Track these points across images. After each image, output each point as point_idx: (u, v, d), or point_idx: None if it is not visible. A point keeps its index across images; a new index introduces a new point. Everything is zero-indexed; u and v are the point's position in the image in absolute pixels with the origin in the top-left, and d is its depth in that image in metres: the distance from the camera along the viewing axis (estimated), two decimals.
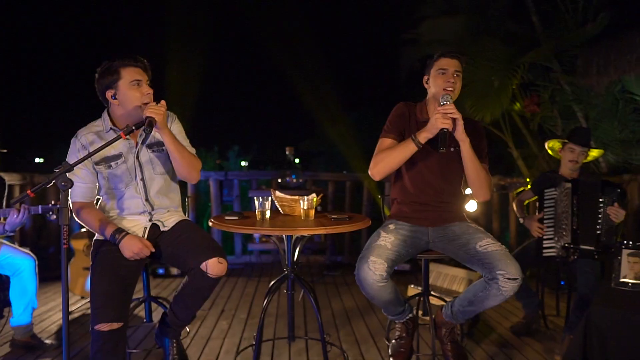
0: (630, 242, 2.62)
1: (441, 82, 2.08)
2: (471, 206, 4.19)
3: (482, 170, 2.08)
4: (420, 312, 2.95)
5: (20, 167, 6.53)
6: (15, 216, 2.50)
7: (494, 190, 4.60)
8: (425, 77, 2.19)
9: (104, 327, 1.73)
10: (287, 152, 4.84)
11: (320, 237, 4.84)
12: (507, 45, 5.06)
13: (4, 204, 2.84)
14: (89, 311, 3.31)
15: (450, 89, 2.05)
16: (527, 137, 5.56)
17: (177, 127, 2.07)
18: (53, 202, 2.65)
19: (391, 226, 2.14)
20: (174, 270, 4.51)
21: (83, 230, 3.72)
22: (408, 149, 2.02)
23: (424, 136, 1.99)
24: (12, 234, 3.01)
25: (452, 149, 2.08)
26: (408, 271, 4.60)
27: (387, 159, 2.07)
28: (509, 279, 1.85)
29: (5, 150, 3.56)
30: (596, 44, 4.30)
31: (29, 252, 2.84)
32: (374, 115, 13.60)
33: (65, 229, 1.67)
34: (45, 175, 4.47)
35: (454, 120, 1.99)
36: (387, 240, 2.04)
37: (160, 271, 4.52)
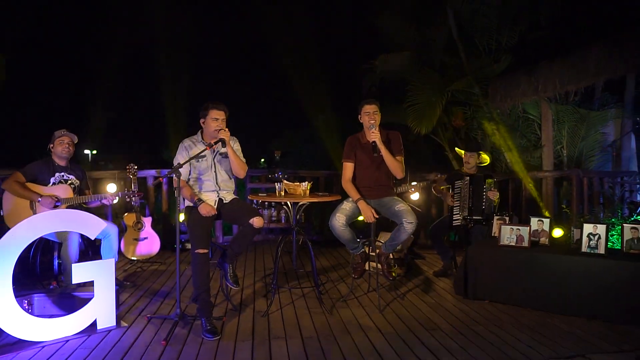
0: (498, 212, 4.27)
1: (367, 119, 3.61)
2: (415, 196, 5.75)
3: (396, 160, 3.58)
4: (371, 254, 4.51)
5: None
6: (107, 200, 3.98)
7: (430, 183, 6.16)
8: (359, 116, 3.70)
9: (200, 251, 3.16)
10: (275, 154, 6.31)
11: (301, 219, 6.34)
12: (441, 74, 6.70)
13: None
14: (139, 270, 4.71)
15: (372, 121, 3.57)
16: (458, 143, 7.25)
17: (237, 145, 3.50)
18: (128, 190, 4.13)
19: (350, 199, 3.68)
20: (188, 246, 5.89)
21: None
22: (352, 195, 3.63)
23: (360, 204, 3.56)
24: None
25: (378, 155, 3.59)
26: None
27: (347, 190, 3.69)
28: (408, 222, 3.42)
29: None
30: (500, 78, 5.96)
31: (113, 223, 4.22)
32: (338, 120, 15.07)
33: (179, 200, 3.13)
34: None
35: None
36: (347, 205, 3.62)
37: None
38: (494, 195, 4.42)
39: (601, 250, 3.47)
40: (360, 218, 3.71)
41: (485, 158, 4.77)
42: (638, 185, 6.62)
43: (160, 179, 3.26)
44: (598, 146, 6.22)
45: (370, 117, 3.60)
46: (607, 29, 4.75)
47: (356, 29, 8.85)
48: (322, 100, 12.20)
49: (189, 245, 5.92)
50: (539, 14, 6.25)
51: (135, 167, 4.67)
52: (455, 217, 4.61)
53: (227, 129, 3.33)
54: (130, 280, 4.43)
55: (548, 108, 5.83)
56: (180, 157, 3.41)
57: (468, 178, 4.57)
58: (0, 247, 2.76)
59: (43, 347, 2.82)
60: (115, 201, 4.13)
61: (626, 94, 6.86)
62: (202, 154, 3.38)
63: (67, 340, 2.92)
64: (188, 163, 3.40)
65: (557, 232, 4.41)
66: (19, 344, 2.82)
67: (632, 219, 4.45)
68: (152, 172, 6.07)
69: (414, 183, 5.40)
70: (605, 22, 5.12)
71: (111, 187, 5.17)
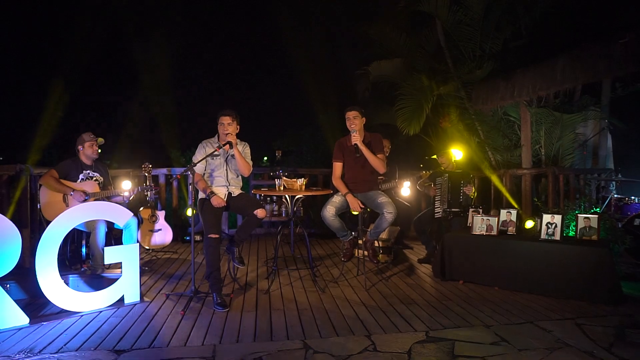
0: (474, 205, 4.82)
1: (349, 124, 4.15)
2: (405, 191, 6.29)
3: (377, 158, 4.12)
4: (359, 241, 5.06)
5: None
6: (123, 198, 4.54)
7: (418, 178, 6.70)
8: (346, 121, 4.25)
9: (212, 235, 3.71)
10: (276, 154, 6.86)
11: (300, 213, 6.89)
12: (430, 79, 7.22)
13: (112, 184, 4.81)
14: (154, 258, 5.26)
15: (353, 126, 4.10)
16: (447, 142, 7.77)
17: (247, 149, 4.04)
18: (145, 185, 4.67)
19: (340, 193, 4.23)
20: (197, 237, 6.45)
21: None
22: (341, 190, 4.18)
23: (347, 197, 4.10)
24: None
25: (361, 155, 4.13)
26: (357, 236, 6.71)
27: (337, 186, 4.23)
28: (388, 213, 3.98)
29: None
30: (482, 83, 6.49)
31: (133, 215, 4.77)
32: (338, 120, 15.59)
33: (192, 193, 3.68)
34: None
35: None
36: (337, 199, 4.18)
37: (187, 238, 6.46)
38: (469, 191, 4.97)
39: (557, 237, 4.01)
40: (355, 213, 4.27)
41: (450, 156, 5.29)
42: (613, 182, 7.16)
43: (178, 175, 3.81)
44: (574, 146, 6.76)
45: (351, 122, 4.13)
46: (574, 40, 5.27)
47: (355, 36, 9.33)
48: (323, 102, 12.76)
49: (197, 237, 6.49)
50: (520, 24, 6.77)
51: (150, 166, 5.23)
52: (436, 209, 5.16)
53: (233, 134, 3.88)
54: (148, 266, 4.99)
55: (527, 111, 6.35)
56: (198, 155, 3.97)
57: (447, 175, 5.12)
58: (48, 234, 3.32)
59: (81, 315, 3.38)
60: (132, 197, 4.69)
61: (602, 97, 7.40)
62: (216, 153, 3.94)
63: (101, 312, 3.48)
64: (204, 160, 3.95)
65: (530, 224, 4.94)
66: (62, 313, 3.38)
67: (592, 210, 4.98)
68: (164, 170, 6.64)
69: (407, 183, 5.95)
70: (574, 34, 5.64)
71: (126, 184, 5.73)
